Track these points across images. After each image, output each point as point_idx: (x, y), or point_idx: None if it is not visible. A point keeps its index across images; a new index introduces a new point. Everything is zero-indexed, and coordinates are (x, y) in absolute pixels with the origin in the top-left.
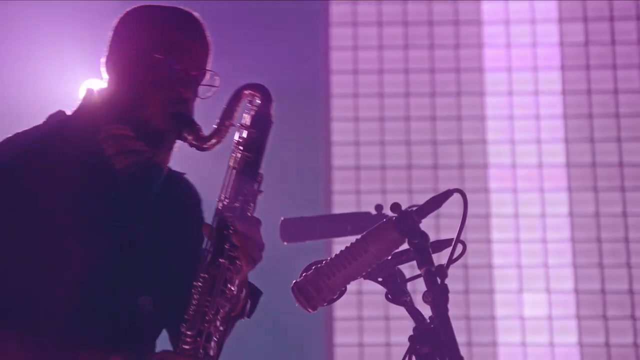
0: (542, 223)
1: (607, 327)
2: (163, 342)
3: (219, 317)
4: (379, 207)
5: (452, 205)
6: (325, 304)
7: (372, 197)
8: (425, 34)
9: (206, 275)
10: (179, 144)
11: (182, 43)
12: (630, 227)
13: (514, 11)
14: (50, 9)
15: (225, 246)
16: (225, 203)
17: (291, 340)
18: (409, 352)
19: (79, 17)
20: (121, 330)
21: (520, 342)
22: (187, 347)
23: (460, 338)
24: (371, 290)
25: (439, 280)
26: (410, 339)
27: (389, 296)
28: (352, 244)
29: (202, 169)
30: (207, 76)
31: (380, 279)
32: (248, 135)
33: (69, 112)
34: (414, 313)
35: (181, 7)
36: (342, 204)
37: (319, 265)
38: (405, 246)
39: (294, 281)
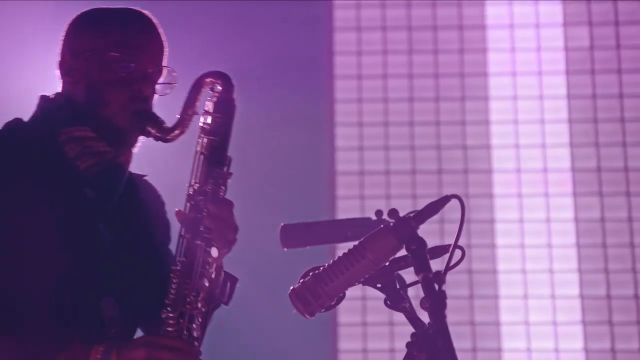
0: (547, 228)
1: (613, 332)
2: None
3: (199, 298)
4: (379, 213)
5: (456, 210)
6: (323, 310)
7: (376, 202)
8: (430, 39)
9: (184, 259)
10: (141, 143)
11: (136, 41)
12: (636, 232)
13: (519, 15)
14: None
15: (200, 228)
16: (195, 188)
17: (295, 346)
18: (407, 359)
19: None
20: (86, 333)
21: (525, 348)
22: (170, 329)
23: (465, 344)
24: (375, 295)
25: (436, 287)
26: (408, 345)
27: (388, 302)
28: (349, 250)
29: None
30: (165, 73)
31: (379, 285)
32: (212, 120)
33: (25, 119)
34: (413, 319)
35: (133, 7)
36: (346, 209)
37: (316, 272)
38: (404, 252)
39: (291, 287)
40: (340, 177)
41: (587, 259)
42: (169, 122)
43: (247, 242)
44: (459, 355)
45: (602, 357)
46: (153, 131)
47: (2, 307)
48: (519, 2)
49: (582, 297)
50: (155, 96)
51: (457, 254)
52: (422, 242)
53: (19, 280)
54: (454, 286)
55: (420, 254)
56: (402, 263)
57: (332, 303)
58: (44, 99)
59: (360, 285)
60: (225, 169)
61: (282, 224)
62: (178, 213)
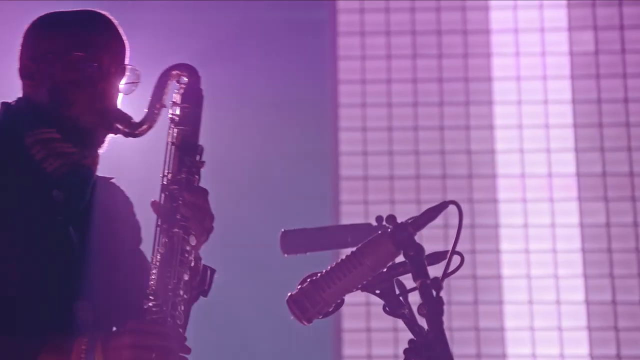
0: (552, 233)
1: (618, 338)
2: None
3: (181, 285)
4: (379, 219)
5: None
6: (320, 316)
7: (381, 208)
8: (434, 43)
9: (162, 248)
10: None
11: (97, 41)
12: None
13: (523, 20)
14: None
15: (177, 217)
16: (169, 177)
17: (299, 352)
18: None
19: None
20: (58, 336)
21: (530, 354)
22: (154, 316)
23: (469, 350)
24: (379, 301)
25: (434, 293)
26: (405, 352)
27: (387, 308)
28: (347, 256)
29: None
30: (128, 72)
31: (378, 292)
32: (181, 110)
33: None
34: (412, 325)
35: (91, 8)
36: (350, 215)
37: (314, 278)
38: (402, 258)
39: (288, 294)
40: (344, 182)
41: (592, 264)
42: (137, 118)
43: (251, 247)
44: None
45: None
46: (121, 127)
47: None
48: (524, 6)
49: (587, 302)
50: (120, 95)
51: (457, 260)
52: (419, 248)
53: None
54: (458, 292)
55: (418, 260)
56: (401, 269)
57: (330, 309)
58: (4, 105)
59: (352, 292)
60: (197, 157)
61: (282, 230)
62: (153, 204)
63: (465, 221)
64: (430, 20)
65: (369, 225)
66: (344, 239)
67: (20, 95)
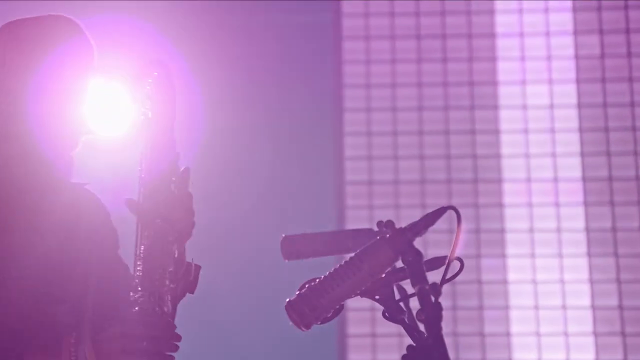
0: (557, 238)
1: (625, 343)
2: None
3: (167, 276)
4: (380, 224)
5: (466, 220)
6: (319, 322)
7: (386, 212)
8: (439, 47)
9: (145, 240)
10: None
11: (64, 43)
12: None
13: (529, 24)
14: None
15: (159, 207)
16: (146, 170)
17: (304, 357)
18: None
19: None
20: (42, 341)
21: (536, 359)
22: (142, 307)
23: (475, 355)
24: None
25: (432, 298)
26: (404, 358)
27: (386, 314)
28: (345, 261)
29: None
30: (98, 73)
31: (377, 297)
32: (154, 106)
33: None
34: (412, 331)
35: (54, 13)
36: (355, 219)
37: (312, 284)
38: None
39: (287, 299)
40: (349, 186)
41: (599, 269)
42: (111, 117)
43: (256, 252)
44: None
45: None
46: (97, 129)
47: None
48: (529, 10)
49: (593, 307)
50: (92, 95)
51: (457, 265)
52: (418, 253)
53: None
54: (463, 297)
55: (417, 266)
56: (400, 274)
57: (329, 315)
58: None
59: (351, 297)
60: (174, 148)
61: (283, 235)
62: (129, 202)
63: (471, 226)
64: (435, 24)
65: (370, 230)
66: (345, 244)
67: None
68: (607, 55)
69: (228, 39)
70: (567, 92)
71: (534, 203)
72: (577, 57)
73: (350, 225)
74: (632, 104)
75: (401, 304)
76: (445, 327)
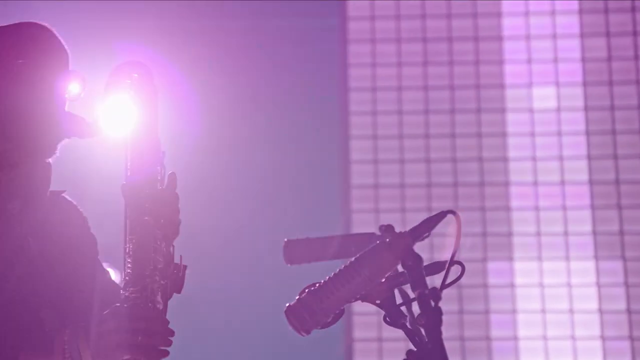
0: (564, 241)
1: (633, 347)
2: None
3: (157, 272)
4: (382, 228)
5: (473, 224)
6: (319, 327)
7: (392, 216)
8: (445, 50)
9: (134, 237)
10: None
11: (38, 49)
12: None
13: (535, 26)
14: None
15: (146, 205)
16: (131, 170)
17: None
18: None
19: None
20: (29, 345)
21: None
22: (135, 302)
23: None
24: None
25: (432, 303)
26: None
27: (387, 319)
28: (345, 266)
29: None
30: (73, 78)
31: (378, 302)
32: (136, 106)
33: None
34: (413, 336)
35: (30, 21)
36: (361, 223)
37: (312, 288)
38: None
39: (286, 304)
40: (355, 190)
41: (606, 273)
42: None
43: (262, 256)
44: None
45: None
46: (76, 130)
47: None
48: (536, 13)
49: (601, 311)
50: (68, 102)
51: (456, 270)
52: (418, 257)
53: None
54: (470, 301)
55: (417, 270)
56: (402, 279)
57: (329, 320)
58: None
59: (352, 302)
60: (158, 149)
61: (285, 240)
62: (123, 187)
63: (477, 229)
64: (441, 27)
65: (373, 234)
66: (348, 248)
67: None
68: (614, 57)
69: (233, 42)
70: (574, 95)
71: (541, 206)
72: (584, 59)
73: (357, 229)
74: None
75: (403, 308)
76: (452, 331)
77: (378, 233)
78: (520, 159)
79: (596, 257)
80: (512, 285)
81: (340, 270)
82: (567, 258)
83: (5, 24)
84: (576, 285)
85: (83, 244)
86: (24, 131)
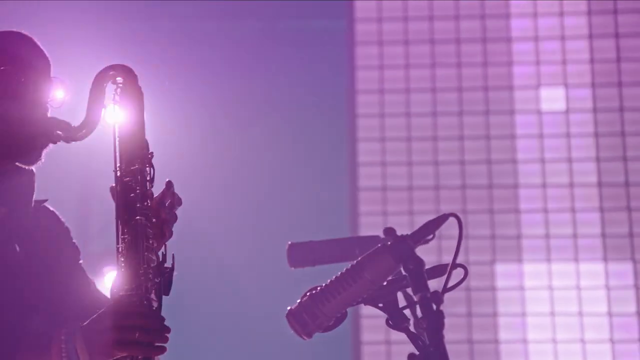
0: (573, 244)
1: None
2: None
3: (151, 270)
4: (385, 231)
5: (479, 226)
6: (321, 330)
7: (399, 219)
8: (453, 52)
9: (127, 236)
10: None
11: (21, 56)
12: None
13: (544, 28)
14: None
15: (137, 205)
16: (122, 170)
17: None
18: None
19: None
20: (28, 341)
21: None
22: (131, 300)
23: None
24: None
25: (434, 307)
26: None
27: (390, 322)
28: (347, 269)
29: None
30: (56, 84)
31: (380, 305)
32: (122, 109)
33: None
34: (415, 339)
35: (10, 30)
36: (368, 226)
37: (313, 292)
38: None
39: (288, 308)
40: (362, 193)
41: (615, 275)
42: (77, 122)
43: (269, 259)
44: None
45: None
46: (61, 134)
47: None
48: (544, 14)
49: (610, 314)
50: (50, 108)
51: (459, 273)
52: (419, 261)
53: None
54: (478, 304)
55: (418, 273)
56: (404, 282)
57: (331, 323)
58: None
59: (353, 305)
60: (145, 150)
61: (289, 243)
62: (112, 189)
63: (486, 232)
64: (449, 28)
65: (377, 237)
66: (352, 251)
67: None
68: (623, 59)
69: (241, 44)
70: (583, 97)
71: (550, 209)
72: (592, 61)
73: (364, 231)
74: None
75: (407, 311)
76: (461, 334)
77: (383, 236)
78: (529, 161)
79: (605, 260)
80: (521, 288)
81: (341, 273)
82: (576, 260)
83: None
84: (585, 287)
85: (67, 250)
86: (8, 139)
